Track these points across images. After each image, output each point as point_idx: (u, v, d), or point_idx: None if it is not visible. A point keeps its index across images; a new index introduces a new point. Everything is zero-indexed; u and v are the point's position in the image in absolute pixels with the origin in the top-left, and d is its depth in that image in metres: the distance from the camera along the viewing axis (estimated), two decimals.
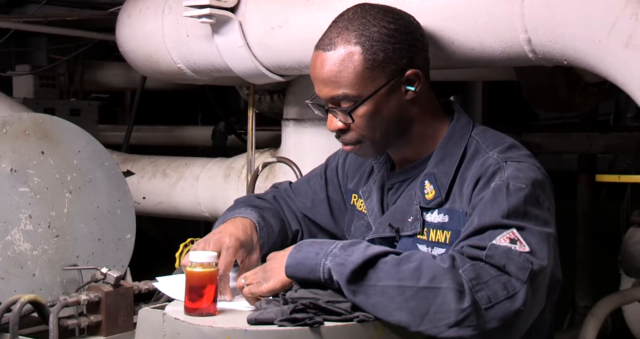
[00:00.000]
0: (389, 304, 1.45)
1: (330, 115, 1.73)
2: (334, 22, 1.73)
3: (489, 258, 1.48)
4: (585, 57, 1.89)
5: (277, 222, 1.92)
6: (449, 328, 1.44)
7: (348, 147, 1.75)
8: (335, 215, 1.98)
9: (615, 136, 4.61)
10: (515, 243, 1.50)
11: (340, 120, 1.71)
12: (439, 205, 1.67)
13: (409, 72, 1.68)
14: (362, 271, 1.47)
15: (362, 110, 1.68)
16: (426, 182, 1.70)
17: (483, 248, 1.49)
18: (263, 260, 1.73)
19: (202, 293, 1.51)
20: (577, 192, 4.98)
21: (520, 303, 1.46)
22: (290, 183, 2.07)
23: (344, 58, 1.66)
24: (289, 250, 1.59)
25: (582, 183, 4.95)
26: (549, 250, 1.54)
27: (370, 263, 1.48)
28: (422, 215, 1.68)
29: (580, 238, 5.00)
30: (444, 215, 1.66)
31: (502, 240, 1.50)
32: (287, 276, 1.54)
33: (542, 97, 3.06)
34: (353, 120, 1.69)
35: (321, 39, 1.72)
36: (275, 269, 1.57)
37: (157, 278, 1.79)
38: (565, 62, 1.95)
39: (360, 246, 1.51)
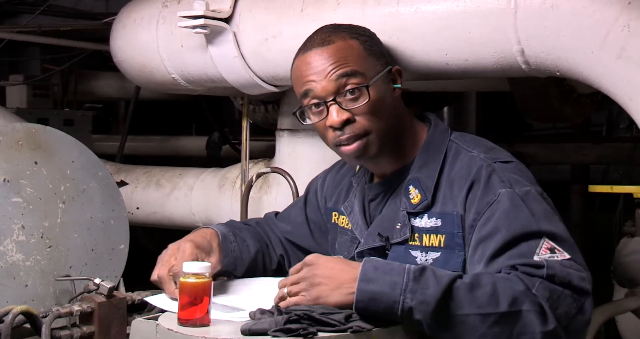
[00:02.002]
0: (472, 333, 1.44)
1: (333, 109, 1.67)
2: (315, 32, 1.76)
3: (551, 277, 1.48)
4: (578, 68, 1.90)
5: (255, 242, 1.92)
6: None
7: (354, 145, 1.69)
8: (316, 236, 1.98)
9: (608, 147, 4.63)
10: (554, 252, 1.52)
11: (345, 110, 1.65)
12: (426, 209, 1.67)
13: (395, 67, 1.75)
14: (443, 305, 1.45)
15: (372, 91, 1.67)
16: (410, 187, 1.70)
17: (539, 267, 1.49)
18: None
19: (195, 304, 1.50)
20: (570, 202, 5.00)
21: (589, 313, 1.49)
22: (277, 213, 2.08)
23: (345, 47, 1.70)
24: (336, 261, 1.53)
25: (575, 193, 4.97)
26: (579, 251, 1.57)
27: (447, 293, 1.45)
28: (409, 220, 1.68)
29: None
30: (436, 219, 1.66)
31: (542, 252, 1.51)
32: (357, 310, 1.47)
33: (535, 107, 3.07)
34: (369, 97, 1.65)
35: (310, 42, 1.73)
36: (326, 290, 1.50)
37: (147, 298, 1.79)
38: (558, 73, 1.96)
39: (429, 275, 1.47)
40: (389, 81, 1.73)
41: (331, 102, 1.67)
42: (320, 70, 1.68)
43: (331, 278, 1.51)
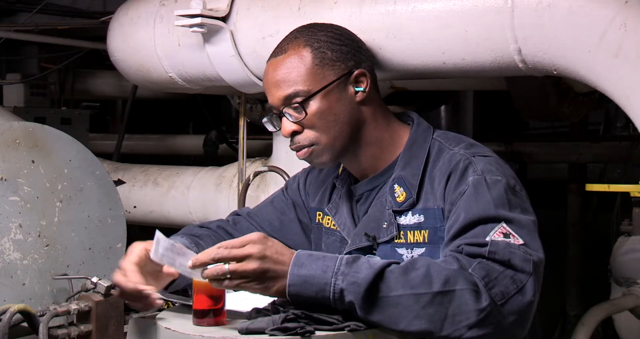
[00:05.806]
0: (406, 314, 1.43)
1: (284, 120, 1.75)
2: (284, 38, 1.80)
3: (492, 254, 1.49)
4: (575, 67, 1.90)
5: None
6: (470, 329, 1.44)
7: (302, 152, 1.76)
8: (308, 234, 1.96)
9: (605, 145, 4.64)
10: (509, 237, 1.53)
11: (293, 122, 1.73)
12: (411, 206, 1.69)
13: (356, 72, 1.74)
14: (374, 287, 1.45)
15: (314, 105, 1.71)
16: (395, 186, 1.72)
17: (483, 245, 1.51)
18: None
19: (211, 303, 1.48)
20: (567, 201, 5.00)
21: (531, 294, 1.49)
22: (237, 213, 2.02)
23: (294, 58, 1.73)
24: (281, 244, 1.49)
25: (573, 192, 4.98)
26: (539, 239, 1.57)
27: (379, 276, 1.45)
28: (395, 218, 1.70)
29: (571, 247, 5.01)
30: (419, 215, 1.68)
31: (495, 235, 1.52)
32: (290, 294, 1.46)
33: (532, 106, 3.07)
34: (306, 114, 1.71)
35: (272, 51, 1.79)
36: (277, 278, 1.46)
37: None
38: (555, 72, 1.96)
39: (363, 261, 1.48)
40: (349, 86, 1.74)
41: (282, 113, 1.75)
42: (271, 82, 1.76)
43: (277, 262, 1.46)
